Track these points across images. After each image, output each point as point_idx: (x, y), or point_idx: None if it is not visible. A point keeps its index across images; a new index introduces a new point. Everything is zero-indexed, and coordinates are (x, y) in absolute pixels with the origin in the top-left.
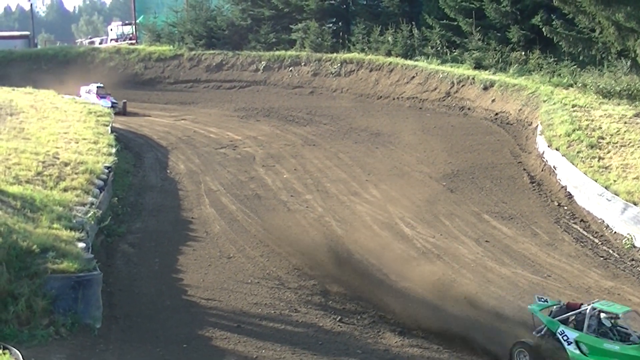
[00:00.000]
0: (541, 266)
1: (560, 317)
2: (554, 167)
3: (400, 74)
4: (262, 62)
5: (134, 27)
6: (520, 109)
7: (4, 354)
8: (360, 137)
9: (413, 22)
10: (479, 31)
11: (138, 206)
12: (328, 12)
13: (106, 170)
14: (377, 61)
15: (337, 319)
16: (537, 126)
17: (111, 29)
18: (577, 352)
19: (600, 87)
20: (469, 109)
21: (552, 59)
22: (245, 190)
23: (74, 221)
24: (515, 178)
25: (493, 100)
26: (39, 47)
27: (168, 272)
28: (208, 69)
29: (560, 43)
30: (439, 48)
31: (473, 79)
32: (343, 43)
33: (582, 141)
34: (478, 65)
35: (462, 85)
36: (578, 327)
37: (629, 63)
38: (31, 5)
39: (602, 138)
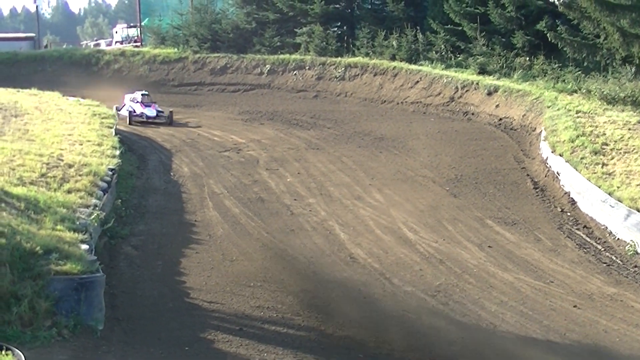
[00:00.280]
0: (544, 272)
1: None
2: (557, 172)
3: (405, 78)
4: (267, 66)
5: (139, 29)
6: (524, 115)
7: (7, 354)
8: (364, 141)
9: (418, 27)
10: (484, 36)
11: (141, 208)
12: (333, 16)
13: (110, 173)
14: (381, 65)
15: (339, 323)
16: (541, 132)
17: (116, 32)
18: None
19: (605, 93)
20: (472, 114)
21: (557, 65)
22: (248, 193)
23: (78, 223)
24: (519, 183)
25: (497, 106)
26: (47, 47)
27: (171, 274)
28: (212, 72)
29: (564, 49)
30: (443, 53)
31: (477, 84)
32: (347, 47)
33: (586, 147)
34: (482, 71)
35: (466, 90)
36: None
37: (633, 69)
38: (37, 7)
39: (606, 144)
